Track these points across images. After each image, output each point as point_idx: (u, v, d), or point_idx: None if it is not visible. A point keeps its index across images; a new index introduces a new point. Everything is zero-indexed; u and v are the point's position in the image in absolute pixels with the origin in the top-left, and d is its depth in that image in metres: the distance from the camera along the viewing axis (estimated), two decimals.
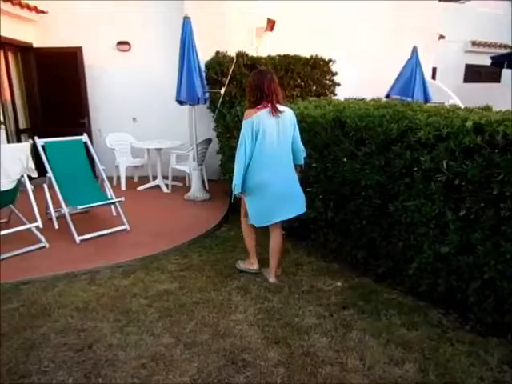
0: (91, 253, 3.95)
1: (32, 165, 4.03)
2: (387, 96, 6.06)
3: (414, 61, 6.21)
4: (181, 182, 6.52)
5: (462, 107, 3.28)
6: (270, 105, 3.07)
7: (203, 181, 6.08)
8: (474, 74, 12.96)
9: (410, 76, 6.18)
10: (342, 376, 2.30)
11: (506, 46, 12.16)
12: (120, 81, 6.89)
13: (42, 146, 4.42)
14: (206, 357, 2.46)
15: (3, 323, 2.80)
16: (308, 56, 5.96)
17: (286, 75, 5.78)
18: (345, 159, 3.42)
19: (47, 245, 4.03)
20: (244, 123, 3.09)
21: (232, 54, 5.71)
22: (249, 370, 2.35)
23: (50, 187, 4.36)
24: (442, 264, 2.75)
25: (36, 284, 3.33)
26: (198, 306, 3.01)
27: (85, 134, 4.81)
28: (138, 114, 7.09)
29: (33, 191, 4.02)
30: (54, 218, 4.50)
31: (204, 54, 5.73)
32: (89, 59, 6.76)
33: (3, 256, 3.73)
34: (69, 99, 6.85)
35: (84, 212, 4.78)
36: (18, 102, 6.68)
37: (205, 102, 5.65)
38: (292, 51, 5.91)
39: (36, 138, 4.43)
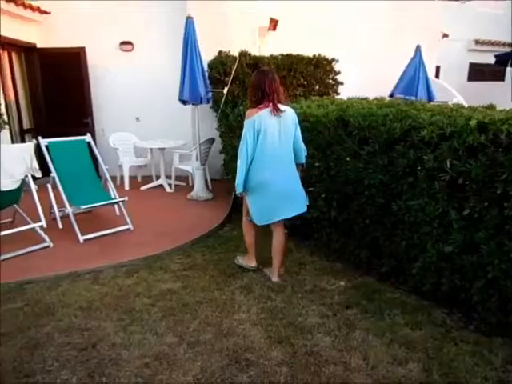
0: (95, 252, 3.96)
1: (36, 165, 4.05)
2: (391, 95, 6.05)
3: (417, 60, 6.20)
4: (184, 182, 6.53)
5: (466, 106, 3.27)
6: (271, 104, 3.07)
7: (206, 180, 6.08)
8: (477, 72, 12.91)
9: (414, 75, 6.16)
10: (345, 375, 2.30)
11: (510, 45, 12.09)
12: (123, 81, 6.91)
13: (46, 146, 4.44)
14: (210, 356, 2.46)
15: (8, 322, 2.81)
16: (310, 55, 5.95)
17: (288, 74, 5.77)
18: (348, 158, 3.42)
19: (51, 244, 4.04)
20: (245, 123, 3.11)
21: (235, 53, 5.71)
22: (252, 369, 2.35)
23: (54, 187, 4.38)
24: (446, 263, 2.75)
25: (40, 283, 3.34)
26: (202, 306, 3.02)
27: (88, 134, 4.84)
28: (141, 114, 7.10)
29: (37, 191, 4.04)
30: (58, 218, 4.52)
31: (207, 54, 5.73)
32: (92, 59, 6.78)
33: (7, 255, 3.75)
34: (72, 99, 6.87)
35: (87, 212, 4.79)
36: (22, 102, 6.71)
37: (208, 102, 5.65)
38: (293, 51, 5.91)
39: (40, 138, 4.46)
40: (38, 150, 4.29)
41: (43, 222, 4.00)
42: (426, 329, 2.70)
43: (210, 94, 5.63)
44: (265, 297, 3.14)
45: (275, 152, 3.13)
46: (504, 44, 12.42)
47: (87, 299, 3.12)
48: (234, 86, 5.55)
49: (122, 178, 6.43)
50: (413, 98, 5.16)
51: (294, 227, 3.98)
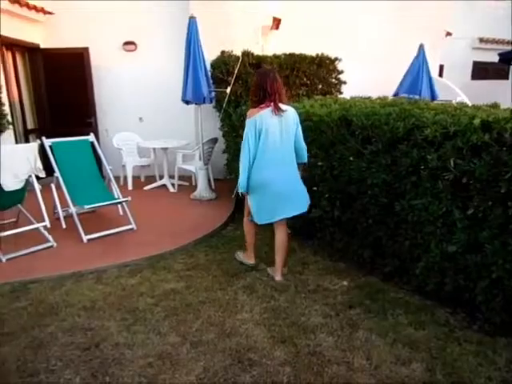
0: (98, 252, 3.98)
1: (40, 165, 4.06)
2: (395, 94, 6.03)
3: (420, 58, 6.18)
4: (187, 182, 6.54)
5: (470, 105, 3.25)
6: (272, 104, 3.07)
7: (209, 180, 6.09)
8: (481, 70, 12.84)
9: (417, 74, 6.14)
10: (348, 375, 2.29)
11: None
12: (126, 81, 6.92)
13: (50, 146, 4.46)
14: (212, 356, 2.46)
15: (12, 322, 2.82)
16: (313, 55, 5.94)
17: (291, 74, 5.77)
18: (351, 158, 3.41)
19: (55, 244, 4.06)
20: (247, 122, 3.11)
21: (237, 53, 5.71)
22: (255, 369, 2.35)
23: (58, 187, 4.39)
24: (450, 263, 2.73)
25: (44, 283, 3.36)
26: (205, 305, 3.02)
27: (92, 134, 4.85)
28: (145, 114, 7.11)
29: (40, 191, 4.06)
30: (62, 218, 4.53)
31: (210, 54, 5.74)
32: (95, 59, 6.80)
33: (11, 255, 3.77)
34: (76, 99, 6.89)
35: (91, 211, 4.81)
36: (26, 103, 6.74)
37: (210, 102, 5.66)
38: (296, 51, 5.90)
39: (44, 138, 4.48)
40: (41, 150, 4.31)
41: (47, 222, 4.01)
42: (429, 329, 2.69)
43: (213, 94, 5.63)
44: (268, 296, 3.14)
45: (276, 151, 3.13)
46: (508, 42, 12.34)
47: (91, 299, 3.13)
48: (236, 86, 5.55)
49: (125, 177, 6.45)
50: (416, 97, 5.15)
51: (298, 227, 3.97)
